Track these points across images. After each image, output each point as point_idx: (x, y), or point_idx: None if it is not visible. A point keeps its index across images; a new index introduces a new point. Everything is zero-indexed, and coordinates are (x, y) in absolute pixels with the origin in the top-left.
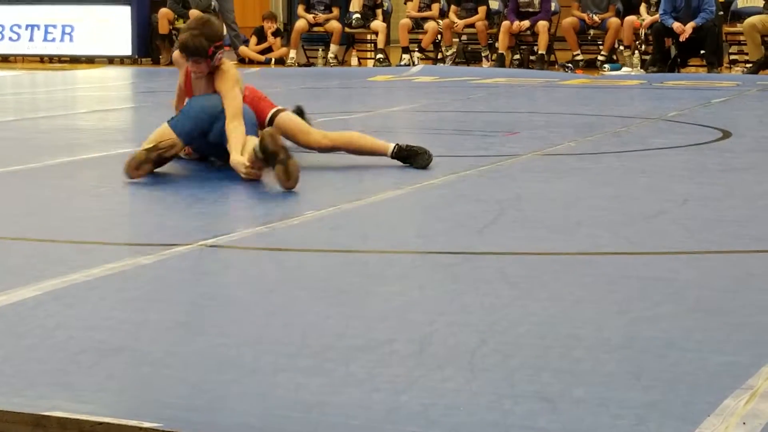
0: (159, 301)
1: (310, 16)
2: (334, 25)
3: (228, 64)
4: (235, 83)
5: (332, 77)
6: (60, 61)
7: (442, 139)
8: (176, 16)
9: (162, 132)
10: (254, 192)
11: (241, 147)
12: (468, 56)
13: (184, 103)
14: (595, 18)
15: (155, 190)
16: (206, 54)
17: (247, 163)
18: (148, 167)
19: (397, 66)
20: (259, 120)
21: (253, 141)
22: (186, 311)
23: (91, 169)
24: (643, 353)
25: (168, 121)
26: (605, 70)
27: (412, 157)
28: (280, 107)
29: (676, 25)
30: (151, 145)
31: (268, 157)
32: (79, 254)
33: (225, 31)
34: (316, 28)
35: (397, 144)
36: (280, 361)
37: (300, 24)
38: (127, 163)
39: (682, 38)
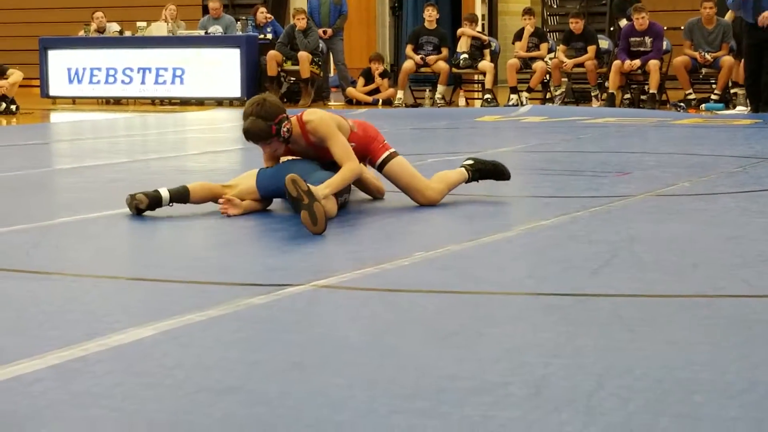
0: (273, 341)
1: (417, 57)
2: (442, 65)
3: (311, 114)
4: (331, 125)
5: (439, 118)
6: (171, 104)
7: (552, 180)
8: (285, 58)
9: (247, 177)
10: (361, 232)
11: (332, 186)
12: (577, 96)
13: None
14: (708, 57)
15: (263, 230)
16: (270, 134)
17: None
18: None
19: (505, 106)
20: (370, 162)
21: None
22: (300, 351)
23: (202, 209)
24: (767, 398)
25: (259, 171)
26: (703, 110)
27: (489, 175)
28: (393, 151)
29: None
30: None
31: (292, 202)
32: (194, 294)
33: (333, 72)
34: (423, 69)
35: (467, 168)
36: (394, 402)
37: (407, 65)
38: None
39: None
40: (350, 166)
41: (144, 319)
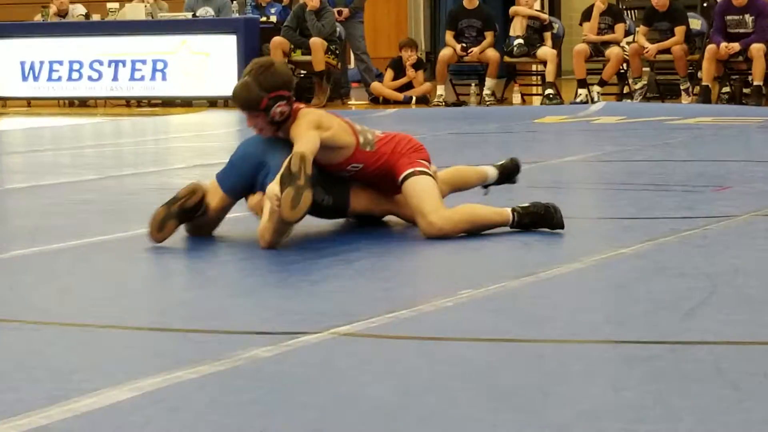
0: (284, 405)
1: (458, 46)
2: (490, 54)
3: (306, 111)
4: (309, 126)
5: (489, 119)
6: (150, 105)
7: (633, 197)
8: (293, 46)
9: (211, 186)
10: (393, 265)
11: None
12: (662, 90)
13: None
14: None
15: (270, 264)
16: (258, 106)
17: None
18: (173, 224)
19: (571, 103)
20: (394, 182)
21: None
22: (318, 417)
23: (190, 240)
24: None
25: (216, 174)
26: None
27: (540, 222)
28: (420, 169)
29: None
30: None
31: (284, 176)
32: (183, 345)
33: (353, 64)
34: (467, 59)
35: (516, 210)
36: None
37: (446, 53)
38: (150, 225)
39: None
40: (296, 148)
41: (120, 377)
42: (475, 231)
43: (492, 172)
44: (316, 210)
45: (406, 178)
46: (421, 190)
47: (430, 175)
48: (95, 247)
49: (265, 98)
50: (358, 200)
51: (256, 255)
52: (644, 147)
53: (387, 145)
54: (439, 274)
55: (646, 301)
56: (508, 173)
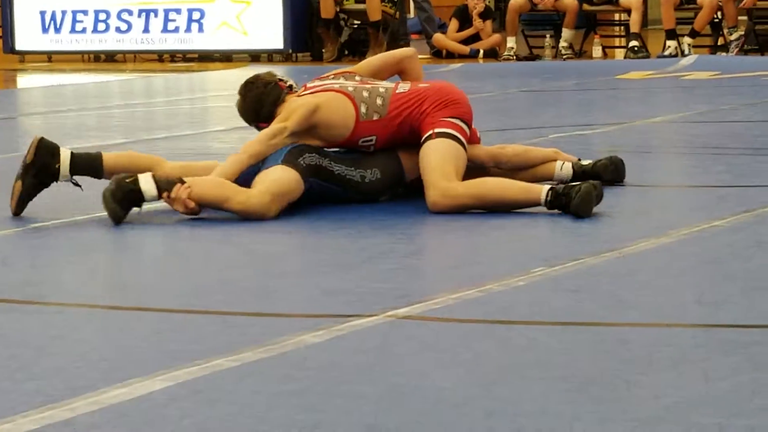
0: (336, 396)
1: None
2: (568, 1)
3: (290, 103)
4: (275, 133)
5: (566, 75)
6: (185, 60)
7: (728, 162)
8: None
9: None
10: (457, 240)
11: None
12: (762, 42)
13: None
14: None
15: (320, 237)
16: (256, 126)
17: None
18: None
19: (658, 57)
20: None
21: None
22: (373, 410)
23: (229, 213)
24: None
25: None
26: None
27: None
28: (438, 130)
29: None
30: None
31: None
32: (221, 330)
33: (413, 12)
34: (541, 6)
35: (552, 188)
36: None
37: (518, 1)
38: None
39: None
40: (231, 158)
41: (153, 365)
42: (488, 209)
43: (543, 194)
44: (363, 188)
45: (425, 141)
46: (430, 158)
47: (453, 136)
48: (124, 220)
49: (255, 125)
50: (411, 166)
51: (303, 228)
52: (741, 106)
53: (408, 104)
54: (510, 249)
55: (744, 279)
56: (596, 174)
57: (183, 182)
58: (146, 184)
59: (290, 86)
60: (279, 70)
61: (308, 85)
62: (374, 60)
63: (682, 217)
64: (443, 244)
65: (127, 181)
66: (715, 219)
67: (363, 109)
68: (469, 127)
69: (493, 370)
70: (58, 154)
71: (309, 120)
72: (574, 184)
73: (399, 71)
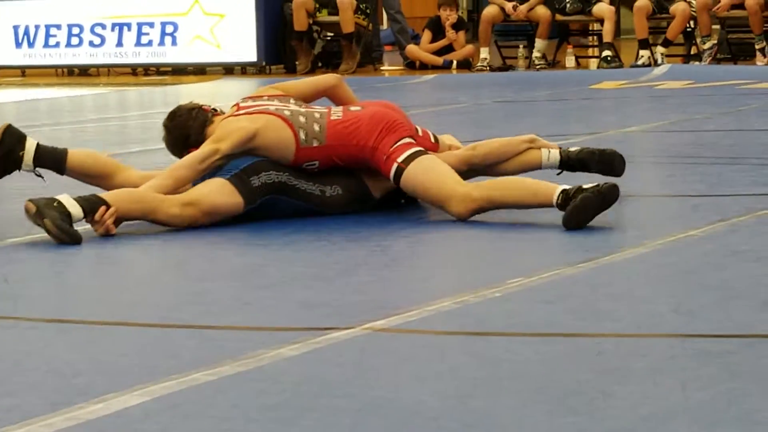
0: (313, 410)
1: (509, 5)
2: (541, 11)
3: (224, 124)
4: (205, 156)
5: (539, 85)
6: (159, 73)
7: (702, 172)
8: (318, 6)
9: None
10: (433, 252)
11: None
12: (735, 50)
13: None
14: None
15: (296, 249)
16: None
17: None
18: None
19: (632, 66)
20: (383, 175)
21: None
22: (351, 422)
23: (205, 225)
24: None
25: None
26: None
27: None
28: (405, 155)
29: None
30: None
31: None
32: (199, 344)
33: (386, 24)
34: (514, 17)
35: (564, 190)
36: None
37: (491, 12)
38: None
39: None
40: (155, 182)
41: (129, 380)
42: (504, 208)
43: (556, 192)
44: (327, 202)
45: (398, 175)
46: (427, 176)
47: (419, 152)
48: (101, 237)
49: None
50: (374, 183)
51: (278, 241)
52: (715, 115)
53: (345, 132)
54: (486, 260)
55: (719, 289)
56: (583, 163)
57: (104, 201)
58: (72, 207)
59: (214, 109)
60: (253, 83)
61: (241, 104)
62: (302, 84)
63: (658, 226)
64: (419, 256)
65: (55, 204)
66: (691, 228)
67: (302, 136)
68: (416, 139)
69: (470, 382)
70: (24, 143)
71: (245, 145)
72: (585, 187)
73: (328, 97)
